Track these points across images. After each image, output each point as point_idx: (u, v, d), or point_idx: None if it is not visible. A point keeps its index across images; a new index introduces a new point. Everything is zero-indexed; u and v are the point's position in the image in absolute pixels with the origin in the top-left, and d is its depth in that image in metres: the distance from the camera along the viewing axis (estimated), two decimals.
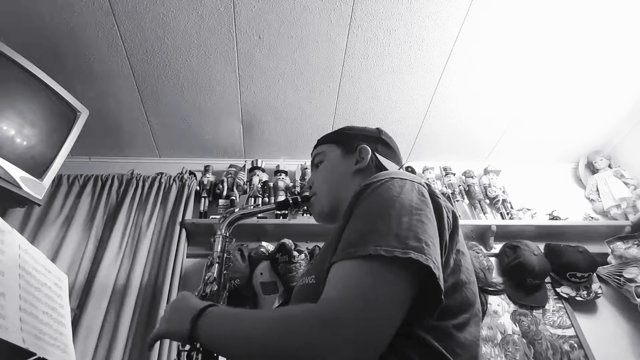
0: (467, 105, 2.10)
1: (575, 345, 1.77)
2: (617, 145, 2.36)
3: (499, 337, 1.77)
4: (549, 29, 1.78)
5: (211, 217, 1.99)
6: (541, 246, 1.97)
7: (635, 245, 1.89)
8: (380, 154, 0.86)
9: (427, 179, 2.28)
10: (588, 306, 1.89)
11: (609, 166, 2.32)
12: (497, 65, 1.92)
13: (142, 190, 1.98)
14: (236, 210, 1.03)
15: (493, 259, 1.95)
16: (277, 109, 2.07)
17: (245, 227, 1.86)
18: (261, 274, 1.71)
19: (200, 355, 0.69)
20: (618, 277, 1.86)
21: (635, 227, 2.00)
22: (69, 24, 1.63)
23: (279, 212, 1.85)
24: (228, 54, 1.80)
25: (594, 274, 1.90)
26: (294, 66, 1.87)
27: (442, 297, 0.53)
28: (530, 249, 1.88)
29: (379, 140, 0.90)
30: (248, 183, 2.15)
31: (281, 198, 2.09)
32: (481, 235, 2.05)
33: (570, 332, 1.80)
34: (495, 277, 1.92)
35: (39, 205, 1.54)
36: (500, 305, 1.86)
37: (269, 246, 1.85)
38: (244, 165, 2.23)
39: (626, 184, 2.20)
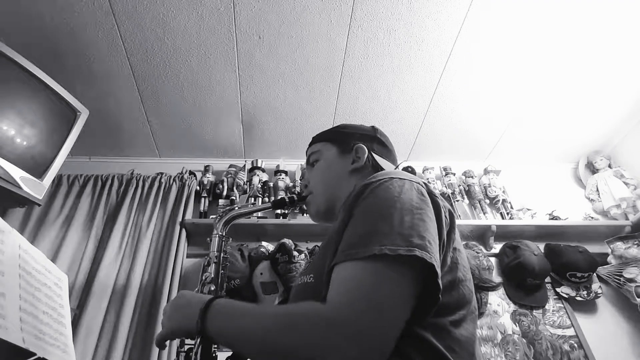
0: (467, 105, 2.10)
1: (575, 345, 1.77)
2: (617, 145, 2.36)
3: (499, 337, 1.77)
4: (549, 29, 1.78)
5: (211, 217, 1.99)
6: (541, 246, 1.97)
7: (635, 245, 1.89)
8: (376, 153, 0.86)
9: (427, 179, 2.28)
10: (588, 306, 1.89)
11: (609, 166, 2.32)
12: (497, 65, 1.92)
13: (142, 190, 1.98)
14: (232, 209, 1.03)
15: (493, 259, 1.95)
16: (277, 109, 2.07)
17: (245, 227, 1.86)
18: (261, 274, 1.71)
19: (199, 355, 0.69)
20: (618, 277, 1.86)
21: (635, 227, 2.00)
22: (69, 24, 1.63)
23: (279, 212, 1.86)
24: (228, 54, 1.80)
25: (594, 274, 1.90)
26: (294, 66, 1.87)
27: (440, 295, 0.53)
28: (530, 249, 1.88)
29: (375, 139, 0.90)
30: (248, 183, 2.15)
31: (277, 196, 2.09)
32: (481, 235, 2.05)
33: (570, 332, 1.80)
34: (496, 277, 1.92)
35: (39, 205, 1.54)
36: (500, 305, 1.86)
37: (269, 246, 1.85)
38: (244, 165, 2.23)
39: (626, 184, 2.20)
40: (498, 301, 1.87)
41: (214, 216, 1.97)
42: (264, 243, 1.86)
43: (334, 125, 0.96)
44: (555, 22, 1.76)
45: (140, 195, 1.95)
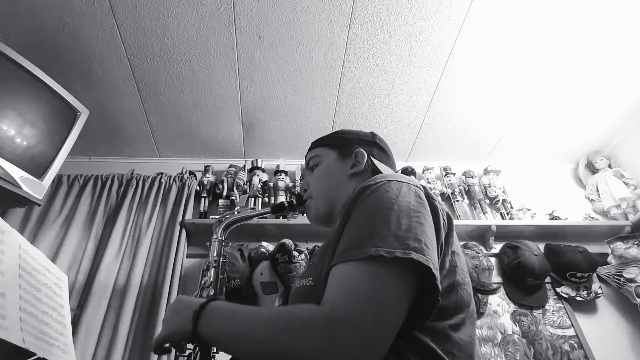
0: (467, 105, 2.10)
1: (575, 345, 1.77)
2: (617, 145, 2.36)
3: (499, 337, 1.77)
4: (549, 29, 1.78)
5: (211, 217, 1.99)
6: (541, 246, 1.97)
7: (635, 245, 1.89)
8: (375, 158, 0.87)
9: (427, 179, 2.28)
10: (588, 306, 1.89)
11: (609, 166, 2.32)
12: (497, 65, 1.92)
13: (142, 190, 1.98)
14: (232, 213, 1.03)
15: (493, 259, 1.94)
16: (277, 109, 2.07)
17: (245, 228, 1.86)
18: (261, 274, 1.71)
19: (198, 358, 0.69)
20: (618, 277, 1.86)
21: (635, 227, 2.00)
22: (69, 24, 1.63)
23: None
24: (228, 54, 1.80)
25: (594, 274, 1.90)
26: (294, 66, 1.87)
27: (439, 298, 0.53)
28: (530, 249, 1.88)
29: (374, 145, 0.91)
30: (248, 183, 2.15)
31: (281, 198, 2.09)
32: (481, 235, 2.05)
33: (570, 332, 1.80)
34: (496, 277, 1.92)
35: (39, 205, 1.54)
36: (500, 305, 1.86)
37: (269, 246, 1.85)
38: (244, 165, 2.23)
39: (626, 184, 2.20)
40: (498, 301, 1.87)
41: (214, 216, 1.98)
42: (264, 243, 1.86)
43: (334, 130, 0.96)
44: (555, 22, 1.76)
45: (140, 195, 1.95)
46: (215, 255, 0.95)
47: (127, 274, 1.70)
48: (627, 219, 2.11)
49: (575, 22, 1.76)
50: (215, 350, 0.75)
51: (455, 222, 2.03)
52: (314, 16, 1.69)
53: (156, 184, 2.01)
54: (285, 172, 2.20)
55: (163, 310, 1.60)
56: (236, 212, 1.05)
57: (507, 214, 2.16)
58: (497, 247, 2.01)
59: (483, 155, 2.42)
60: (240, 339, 0.56)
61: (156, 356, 1.51)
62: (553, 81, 2.01)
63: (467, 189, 2.27)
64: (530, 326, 1.80)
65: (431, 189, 2.21)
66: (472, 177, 2.30)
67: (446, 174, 2.31)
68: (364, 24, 1.72)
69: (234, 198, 2.05)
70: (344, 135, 0.93)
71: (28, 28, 1.62)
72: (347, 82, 1.96)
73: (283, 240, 1.77)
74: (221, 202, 2.06)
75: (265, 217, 1.92)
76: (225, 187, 2.09)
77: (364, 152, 0.86)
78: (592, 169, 2.37)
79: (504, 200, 2.21)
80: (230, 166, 2.23)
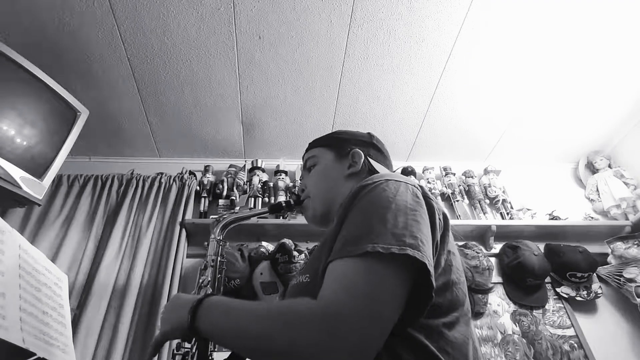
0: (467, 105, 2.10)
1: (575, 345, 1.77)
2: (617, 145, 2.36)
3: (499, 337, 1.77)
4: (549, 29, 1.78)
5: (211, 217, 1.99)
6: (541, 246, 1.97)
7: (635, 245, 1.89)
8: (372, 159, 0.88)
9: (427, 179, 2.28)
10: (588, 306, 1.89)
11: (609, 166, 2.32)
12: (497, 65, 1.92)
13: (142, 190, 1.98)
14: (230, 213, 1.03)
15: (493, 259, 1.94)
16: (277, 109, 2.07)
17: (245, 227, 1.86)
18: (261, 274, 1.71)
19: (195, 358, 0.69)
20: (618, 277, 1.86)
21: (635, 227, 2.00)
22: (69, 24, 1.63)
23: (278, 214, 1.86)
24: (228, 54, 1.80)
25: (594, 274, 1.90)
26: (294, 66, 1.87)
27: (433, 294, 0.54)
28: (530, 249, 1.88)
29: (371, 145, 0.92)
30: (248, 183, 2.15)
31: (281, 198, 2.09)
32: (481, 235, 2.05)
33: (570, 332, 1.80)
34: (496, 277, 1.92)
35: (39, 205, 1.54)
36: (500, 305, 1.86)
37: (269, 246, 1.85)
38: (244, 165, 2.23)
39: (626, 184, 2.20)
40: (498, 301, 1.87)
41: (214, 216, 1.98)
42: (264, 243, 1.86)
43: (331, 131, 0.97)
44: (555, 22, 1.76)
45: (140, 195, 1.95)
46: (212, 254, 0.95)
47: (127, 274, 1.70)
48: (627, 219, 2.11)
49: (575, 22, 1.76)
50: (212, 348, 0.75)
51: (455, 222, 2.04)
52: (314, 16, 1.69)
53: (156, 184, 2.01)
54: (285, 172, 2.21)
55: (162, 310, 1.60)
56: (234, 212, 1.05)
57: (507, 214, 2.16)
58: (497, 247, 2.02)
59: (483, 155, 2.42)
60: (237, 333, 0.56)
61: (157, 355, 1.51)
62: (553, 81, 2.01)
63: (467, 189, 2.27)
64: (530, 326, 1.80)
65: (431, 189, 2.21)
66: (472, 177, 2.30)
67: (446, 174, 2.31)
68: (364, 24, 1.72)
69: (234, 198, 2.05)
70: (341, 136, 0.94)
71: (28, 28, 1.62)
72: (347, 82, 1.96)
73: (283, 240, 1.77)
74: (221, 202, 2.06)
75: (265, 217, 1.92)
76: (225, 187, 2.09)
77: (361, 152, 0.87)
78: (592, 169, 2.37)
79: (504, 200, 2.21)
80: (230, 166, 2.23)
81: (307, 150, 0.97)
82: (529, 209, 2.15)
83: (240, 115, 2.08)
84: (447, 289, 0.62)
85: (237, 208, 1.98)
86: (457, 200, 2.19)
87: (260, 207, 2.05)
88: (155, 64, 1.81)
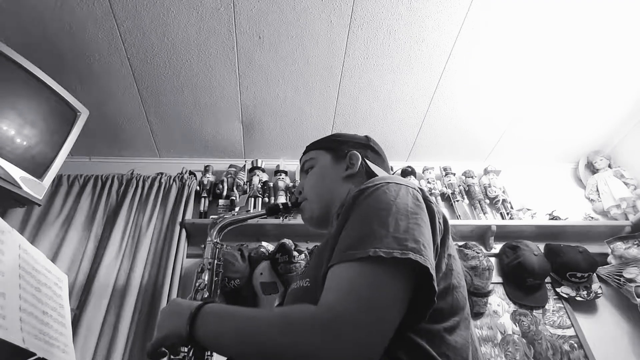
0: (467, 105, 2.10)
1: (575, 345, 1.77)
2: (617, 145, 2.36)
3: (499, 337, 1.77)
4: (549, 29, 1.78)
5: (211, 217, 1.98)
6: (541, 246, 1.97)
7: (635, 245, 1.89)
8: (369, 160, 0.88)
9: (427, 179, 2.28)
10: (588, 306, 1.89)
11: (609, 166, 2.32)
12: (497, 65, 1.92)
13: (142, 190, 1.98)
14: (227, 215, 1.03)
15: (493, 259, 1.94)
16: (277, 109, 2.07)
17: (245, 227, 1.84)
18: (261, 274, 1.71)
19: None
20: (618, 277, 1.86)
21: (635, 227, 2.00)
22: (69, 24, 1.63)
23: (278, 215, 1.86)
24: (228, 54, 1.80)
25: (594, 274, 1.90)
26: (294, 66, 1.87)
27: (435, 299, 0.54)
28: (530, 249, 1.88)
29: (368, 147, 0.92)
30: (248, 183, 2.15)
31: (281, 198, 2.09)
32: (481, 235, 2.05)
33: (570, 332, 1.80)
34: (496, 277, 1.92)
35: (39, 205, 1.54)
36: (500, 305, 1.86)
37: (269, 246, 1.85)
38: (244, 165, 2.23)
39: (626, 184, 2.20)
40: (498, 301, 1.87)
41: (213, 216, 1.98)
42: (264, 243, 1.86)
43: (328, 134, 0.97)
44: (555, 22, 1.76)
45: (140, 195, 1.95)
46: (209, 257, 0.95)
47: (127, 274, 1.70)
48: (627, 219, 2.11)
49: (575, 22, 1.76)
50: (209, 353, 0.75)
51: (456, 222, 2.04)
52: (314, 16, 1.69)
53: (156, 184, 2.01)
54: (285, 172, 2.20)
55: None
56: (231, 214, 1.05)
57: (507, 214, 2.16)
58: (497, 247, 2.01)
59: (483, 155, 2.42)
60: (236, 340, 0.55)
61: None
62: (553, 81, 2.01)
63: (467, 189, 2.27)
64: (530, 326, 1.80)
65: (431, 189, 2.21)
66: (472, 177, 2.30)
67: (446, 174, 2.31)
68: (364, 24, 1.72)
69: (234, 198, 2.05)
70: (339, 138, 0.94)
71: (28, 28, 1.62)
72: (347, 82, 1.96)
73: (283, 240, 1.77)
74: (221, 202, 2.06)
75: (265, 218, 1.92)
76: (225, 187, 2.09)
77: (358, 154, 0.87)
78: (592, 169, 2.37)
79: (504, 200, 2.21)
80: (230, 166, 2.23)
81: (304, 153, 0.97)
82: (529, 209, 2.15)
83: (240, 115, 2.08)
84: (447, 293, 0.61)
85: (237, 208, 1.99)
86: (457, 200, 2.19)
87: (260, 207, 2.05)
88: (155, 64, 1.81)
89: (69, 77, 1.77)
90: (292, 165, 2.27)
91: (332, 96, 2.02)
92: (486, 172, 2.34)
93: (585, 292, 1.86)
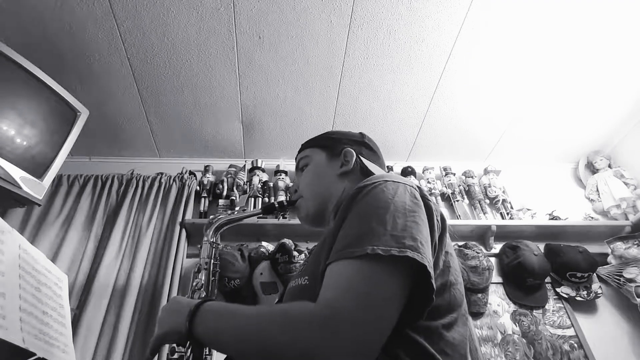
0: (467, 105, 2.10)
1: (575, 345, 1.77)
2: (617, 145, 2.36)
3: (499, 337, 1.77)
4: (549, 29, 1.78)
5: (211, 216, 1.99)
6: (541, 246, 1.97)
7: (635, 245, 1.89)
8: (364, 157, 0.88)
9: (427, 179, 2.28)
10: (588, 306, 1.89)
11: (609, 166, 2.32)
12: (497, 65, 1.92)
13: (142, 190, 1.98)
14: (223, 215, 1.03)
15: (493, 259, 1.94)
16: (277, 109, 2.07)
17: (245, 227, 1.86)
18: (261, 274, 1.71)
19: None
20: (618, 277, 1.86)
21: (635, 227, 2.00)
22: (69, 24, 1.63)
23: (277, 214, 1.85)
24: (228, 54, 1.80)
25: (594, 274, 1.90)
26: (294, 66, 1.87)
27: (433, 296, 0.54)
28: (530, 249, 1.88)
29: (363, 144, 0.91)
30: (248, 183, 2.15)
31: (281, 198, 2.09)
32: (481, 235, 2.05)
33: (570, 332, 1.80)
34: (496, 277, 1.92)
35: (39, 205, 1.54)
36: (500, 305, 1.86)
37: (269, 246, 1.85)
38: (244, 165, 2.23)
39: (626, 184, 2.20)
40: (498, 301, 1.87)
41: (213, 216, 1.98)
42: (264, 243, 1.86)
43: (323, 132, 0.97)
44: (555, 22, 1.76)
45: (140, 195, 1.95)
46: (206, 257, 0.95)
47: (127, 274, 1.70)
48: (627, 219, 2.11)
49: (575, 22, 1.76)
50: (207, 352, 0.75)
51: (455, 222, 2.04)
52: (314, 16, 1.69)
53: (156, 184, 2.01)
54: (285, 172, 2.20)
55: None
56: (227, 214, 1.05)
57: (507, 214, 2.16)
58: (497, 247, 2.01)
59: (483, 155, 2.42)
60: (235, 337, 0.56)
61: (156, 355, 1.51)
62: (553, 81, 2.01)
63: (467, 189, 2.27)
64: (530, 326, 1.80)
65: (431, 189, 2.21)
66: (472, 177, 2.30)
67: (446, 174, 2.31)
68: (364, 24, 1.72)
69: (234, 198, 2.05)
70: (333, 136, 0.94)
71: (28, 28, 1.62)
72: (347, 82, 1.96)
73: (283, 240, 1.77)
74: (221, 202, 2.06)
75: (265, 217, 1.92)
76: (225, 187, 2.09)
77: (353, 151, 0.87)
78: (592, 169, 2.37)
79: (504, 200, 2.21)
80: (230, 166, 2.23)
81: (299, 151, 0.97)
82: (529, 209, 2.15)
83: (240, 115, 2.08)
84: (445, 290, 0.62)
85: (237, 208, 1.98)
86: (457, 200, 2.19)
87: (260, 207, 2.04)
88: (155, 64, 1.81)
89: (69, 77, 1.77)
90: (292, 165, 2.26)
91: (332, 96, 2.02)
92: (486, 172, 2.34)
93: (585, 292, 1.86)
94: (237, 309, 0.60)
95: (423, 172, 2.32)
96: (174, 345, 0.68)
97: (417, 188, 0.66)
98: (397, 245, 0.54)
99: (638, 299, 1.77)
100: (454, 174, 2.31)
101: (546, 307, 1.86)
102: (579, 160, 2.43)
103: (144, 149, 2.22)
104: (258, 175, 2.17)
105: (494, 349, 1.73)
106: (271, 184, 2.15)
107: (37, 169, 1.48)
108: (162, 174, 2.07)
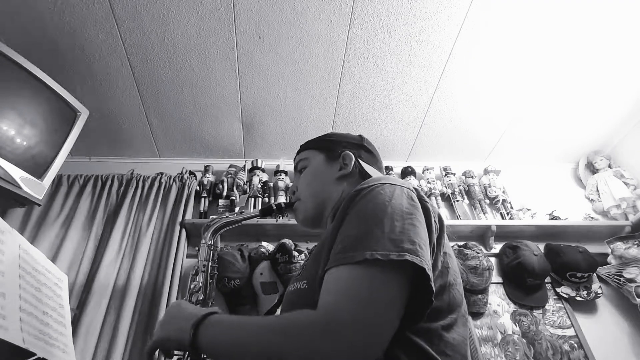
0: (467, 105, 2.10)
1: (575, 345, 1.77)
2: (617, 145, 2.36)
3: (499, 337, 1.77)
4: (549, 29, 1.78)
5: (211, 217, 1.99)
6: (541, 246, 1.97)
7: (635, 245, 1.89)
8: (363, 160, 0.88)
9: (427, 179, 2.28)
10: (588, 306, 1.89)
11: (609, 166, 2.32)
12: (497, 65, 1.92)
13: (142, 190, 1.98)
14: (221, 217, 1.03)
15: (493, 259, 1.94)
16: (277, 109, 2.07)
17: (245, 227, 1.86)
18: (261, 274, 1.71)
19: None
20: (618, 277, 1.86)
21: (635, 227, 2.00)
22: (69, 24, 1.63)
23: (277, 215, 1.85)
24: (228, 54, 1.80)
25: (594, 274, 1.90)
26: (294, 66, 1.87)
27: (433, 299, 0.54)
28: (530, 249, 1.88)
29: (362, 147, 0.91)
30: (248, 183, 2.15)
31: (281, 198, 2.09)
32: (481, 235, 2.05)
33: (570, 332, 1.80)
34: (496, 277, 1.92)
35: (39, 205, 1.54)
36: (500, 305, 1.86)
37: (269, 246, 1.85)
38: (244, 165, 2.23)
39: (626, 184, 2.20)
40: (498, 301, 1.87)
41: (214, 216, 1.98)
42: (264, 243, 1.86)
43: (322, 134, 0.97)
44: (555, 22, 1.76)
45: (140, 195, 1.95)
46: (204, 259, 0.95)
47: (127, 274, 1.70)
48: (627, 219, 2.11)
49: (575, 22, 1.76)
50: (204, 356, 0.74)
51: (455, 222, 2.04)
52: (314, 16, 1.69)
53: (156, 184, 2.01)
54: (285, 172, 2.20)
55: (163, 310, 1.60)
56: (225, 216, 1.05)
57: (507, 214, 2.16)
58: (497, 247, 2.01)
59: (483, 155, 2.42)
60: (239, 348, 0.55)
61: (156, 355, 1.51)
62: (553, 81, 2.01)
63: (467, 189, 2.27)
64: (530, 326, 1.80)
65: (431, 189, 2.21)
66: (472, 177, 2.30)
67: (446, 174, 2.31)
68: (364, 24, 1.72)
69: (234, 198, 2.05)
70: (332, 138, 0.93)
71: (28, 28, 1.62)
72: (347, 82, 1.96)
73: (283, 240, 1.77)
74: (221, 202, 2.06)
75: (265, 218, 1.91)
76: (225, 187, 2.09)
77: (352, 154, 0.87)
78: (592, 169, 2.37)
79: (504, 200, 2.21)
80: (230, 166, 2.23)
81: (298, 153, 0.97)
82: (529, 209, 2.15)
83: (240, 115, 2.08)
84: (444, 291, 0.62)
85: (237, 208, 1.98)
86: (457, 200, 2.19)
87: (260, 207, 2.05)
88: (155, 64, 1.81)
89: (69, 77, 1.77)
90: (292, 165, 2.26)
91: (332, 96, 2.02)
92: (486, 172, 2.34)
93: (585, 292, 1.86)
94: (240, 321, 0.60)
95: (423, 172, 2.32)
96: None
97: (414, 190, 0.66)
98: (396, 249, 0.54)
99: (638, 299, 1.77)
100: (454, 174, 2.30)
101: (546, 307, 1.86)
102: (579, 160, 2.43)
103: (144, 149, 2.22)
104: (258, 175, 2.17)
105: (494, 349, 1.73)
106: (271, 184, 2.15)
107: (37, 169, 1.48)
108: (162, 174, 2.07)
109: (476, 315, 1.81)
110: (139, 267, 1.71)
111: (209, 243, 0.98)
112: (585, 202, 2.32)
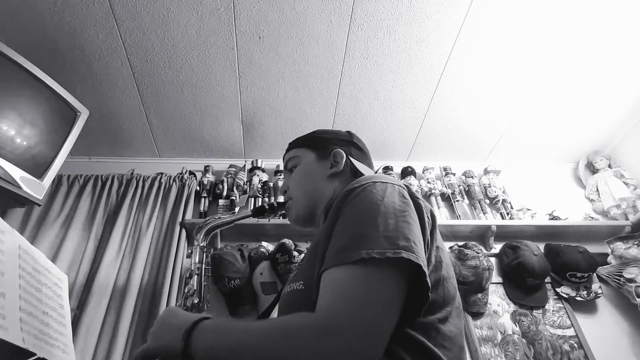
0: (467, 105, 2.10)
1: (575, 345, 1.77)
2: (617, 145, 2.36)
3: (499, 337, 1.77)
4: (549, 29, 1.78)
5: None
6: (541, 246, 1.97)
7: (635, 245, 1.89)
8: (353, 157, 0.87)
9: (427, 179, 2.28)
10: (588, 306, 1.89)
11: (609, 166, 2.32)
12: (497, 65, 1.92)
13: (142, 190, 1.98)
14: (213, 219, 1.03)
15: (493, 259, 1.94)
16: (277, 109, 2.07)
17: (245, 227, 1.86)
18: (261, 274, 1.71)
19: None
20: (618, 277, 1.86)
21: (635, 227, 2.00)
22: (69, 24, 1.63)
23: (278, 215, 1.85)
24: (228, 54, 1.80)
25: (594, 274, 1.90)
26: (294, 66, 1.87)
27: (429, 294, 0.54)
28: (530, 249, 1.88)
29: (352, 144, 0.91)
30: (248, 183, 2.15)
31: (281, 198, 2.09)
32: (481, 235, 2.05)
33: (570, 332, 1.80)
34: (496, 277, 1.92)
35: (39, 205, 1.54)
36: (500, 305, 1.86)
37: (269, 246, 1.85)
38: (244, 165, 2.23)
39: (626, 184, 2.20)
40: (498, 301, 1.87)
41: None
42: (264, 243, 1.86)
43: (310, 131, 0.96)
44: (555, 22, 1.76)
45: (140, 195, 1.95)
46: (197, 262, 0.94)
47: (127, 274, 1.70)
48: (627, 219, 2.11)
49: (575, 23, 1.76)
50: None
51: (455, 222, 2.04)
52: (314, 16, 1.69)
53: (156, 184, 2.01)
54: None
55: (163, 310, 1.60)
56: (218, 217, 1.04)
57: (507, 214, 2.16)
58: (497, 247, 2.01)
59: (483, 155, 2.42)
60: (235, 354, 0.54)
61: None
62: (553, 81, 2.01)
63: (467, 189, 2.27)
64: (530, 326, 1.80)
65: (431, 189, 2.21)
66: (472, 177, 2.30)
67: (446, 174, 2.31)
68: (364, 24, 1.72)
69: (234, 198, 2.05)
70: (322, 135, 0.93)
71: (28, 28, 1.62)
72: (347, 82, 1.96)
73: (283, 240, 1.77)
74: (221, 202, 2.06)
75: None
76: (225, 187, 2.09)
77: (343, 152, 0.87)
78: (592, 169, 2.37)
79: (504, 200, 2.21)
80: (230, 166, 2.23)
81: (287, 151, 0.95)
82: (529, 209, 2.15)
83: (240, 115, 2.08)
84: (439, 285, 0.62)
85: (237, 208, 1.98)
86: (457, 200, 2.19)
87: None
88: (155, 64, 1.81)
89: (69, 77, 1.77)
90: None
91: (332, 96, 2.02)
92: (486, 172, 2.34)
93: (585, 292, 1.86)
94: (234, 326, 0.58)
95: (423, 172, 2.32)
96: None
97: (405, 187, 0.66)
98: (391, 246, 0.54)
99: (638, 299, 1.77)
100: (454, 174, 2.31)
101: (546, 307, 1.86)
102: (579, 160, 2.43)
103: (144, 149, 2.22)
104: (258, 175, 2.17)
105: (494, 349, 1.73)
106: (271, 184, 2.14)
107: (37, 169, 1.48)
108: (162, 174, 2.07)
109: (476, 315, 1.81)
110: (139, 267, 1.71)
111: (202, 245, 0.97)
112: (585, 202, 2.32)
